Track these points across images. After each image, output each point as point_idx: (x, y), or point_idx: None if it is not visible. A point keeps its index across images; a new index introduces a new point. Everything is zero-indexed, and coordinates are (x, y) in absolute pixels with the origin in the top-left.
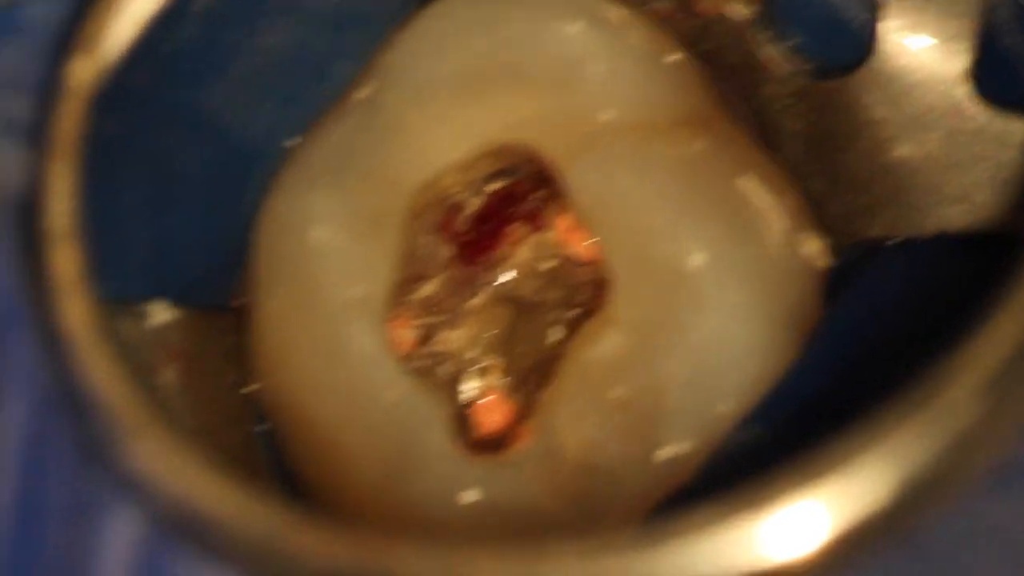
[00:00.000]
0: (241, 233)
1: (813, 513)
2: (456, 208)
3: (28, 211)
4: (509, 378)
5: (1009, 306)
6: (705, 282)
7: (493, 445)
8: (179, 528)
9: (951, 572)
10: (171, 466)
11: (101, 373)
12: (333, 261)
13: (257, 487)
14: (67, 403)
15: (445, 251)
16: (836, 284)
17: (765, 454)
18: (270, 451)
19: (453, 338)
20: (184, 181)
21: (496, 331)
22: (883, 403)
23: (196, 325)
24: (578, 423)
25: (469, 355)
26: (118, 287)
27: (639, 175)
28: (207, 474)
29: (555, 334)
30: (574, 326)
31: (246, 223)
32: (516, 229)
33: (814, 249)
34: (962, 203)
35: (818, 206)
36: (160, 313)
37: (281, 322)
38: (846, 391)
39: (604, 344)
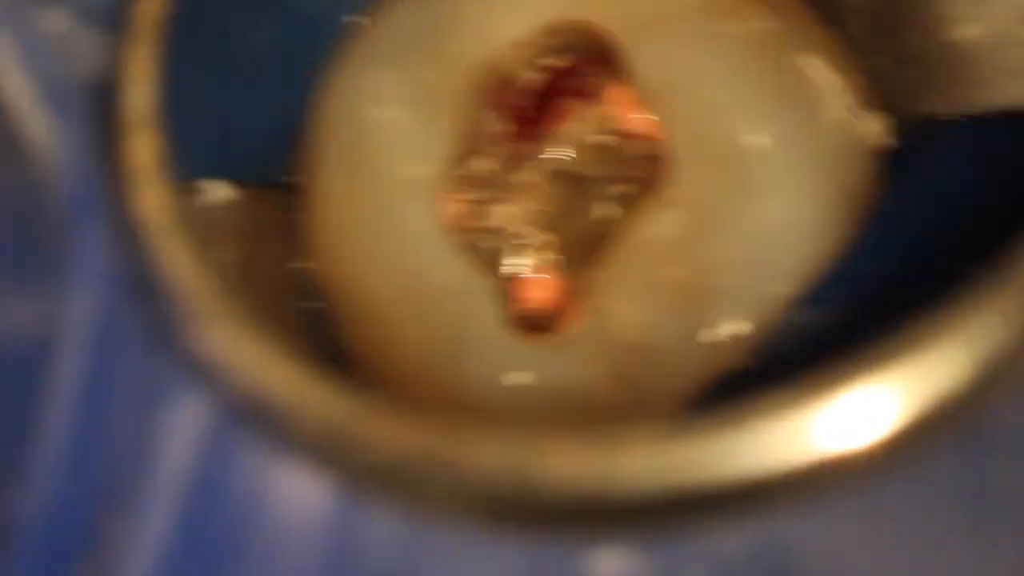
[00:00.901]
0: (300, 110)
1: (883, 399)
2: (515, 84)
3: (107, 96)
4: (562, 256)
5: None
6: (764, 163)
7: (547, 325)
8: (248, 415)
9: (1018, 462)
10: (241, 351)
11: (176, 260)
12: (392, 139)
13: (321, 371)
14: (141, 289)
15: (502, 127)
16: (899, 165)
17: (823, 339)
18: (316, 328)
19: (506, 214)
20: (250, 60)
21: (550, 208)
22: (952, 284)
23: (254, 204)
24: (631, 303)
25: (522, 231)
26: (187, 170)
27: (702, 53)
28: (276, 360)
29: (607, 210)
30: (627, 203)
31: (305, 100)
32: (574, 106)
33: (875, 128)
34: None
35: (882, 83)
36: (220, 191)
37: (338, 199)
38: (911, 273)
39: (659, 224)
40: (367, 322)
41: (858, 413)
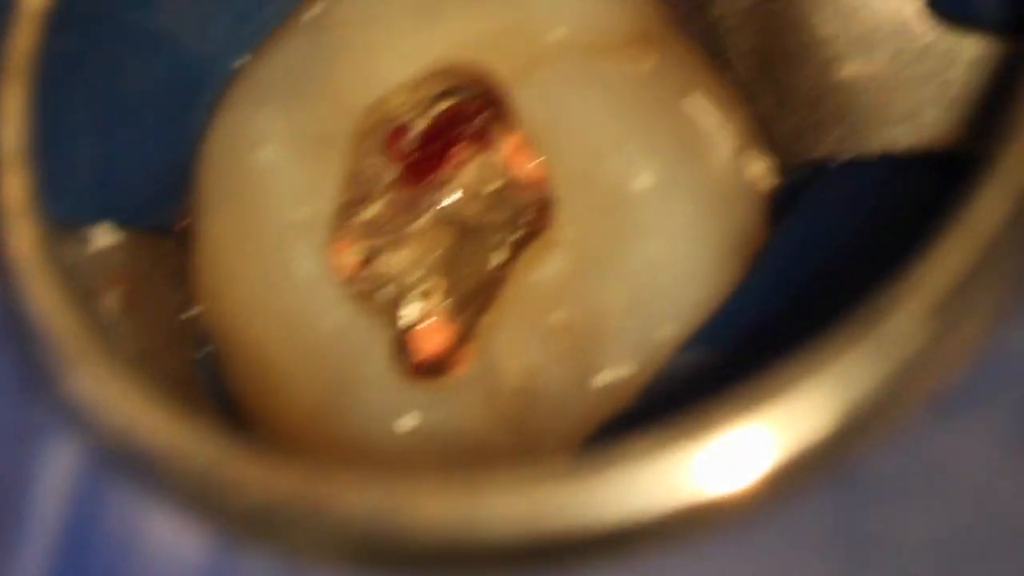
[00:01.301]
0: (188, 154)
1: (754, 442)
2: (402, 129)
3: None
4: (450, 301)
5: (955, 231)
6: (649, 204)
7: (433, 370)
8: (118, 458)
9: (887, 507)
10: (112, 395)
11: (46, 300)
12: (278, 182)
13: (198, 417)
14: (11, 330)
15: (390, 172)
16: (783, 206)
17: (710, 380)
18: (210, 376)
19: (395, 260)
20: (133, 101)
21: (439, 253)
22: (827, 328)
23: (140, 248)
24: (518, 347)
25: (411, 278)
26: (64, 210)
27: (587, 94)
28: (148, 404)
29: (499, 256)
30: (518, 248)
31: (193, 144)
32: (461, 150)
33: (760, 169)
34: (909, 122)
35: (766, 126)
36: (104, 236)
37: (224, 243)
38: (792, 315)
39: (546, 266)
40: (254, 368)
41: (728, 457)
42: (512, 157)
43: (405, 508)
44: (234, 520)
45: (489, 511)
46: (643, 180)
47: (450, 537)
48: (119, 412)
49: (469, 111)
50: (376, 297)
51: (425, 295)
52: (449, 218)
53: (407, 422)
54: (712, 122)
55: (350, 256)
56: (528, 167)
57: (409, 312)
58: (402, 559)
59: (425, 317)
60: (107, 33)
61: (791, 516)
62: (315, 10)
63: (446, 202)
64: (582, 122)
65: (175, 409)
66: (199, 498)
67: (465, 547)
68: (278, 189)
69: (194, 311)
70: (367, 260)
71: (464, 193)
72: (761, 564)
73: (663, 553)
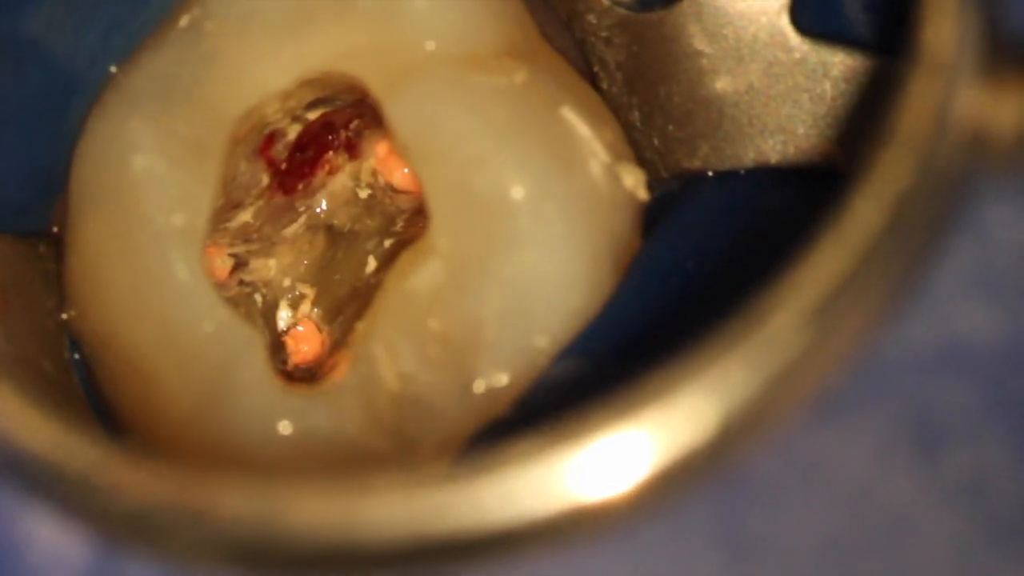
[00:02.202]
0: (62, 160)
1: (633, 447)
2: (274, 136)
3: None
4: (322, 307)
5: (829, 239)
6: (523, 214)
7: (309, 376)
8: None
9: (769, 509)
10: None
11: None
12: (152, 189)
13: (73, 422)
14: None
15: (263, 179)
16: (656, 217)
17: (586, 388)
18: (84, 379)
19: (268, 266)
20: (3, 107)
21: (310, 260)
22: (704, 334)
23: (13, 251)
24: (395, 354)
25: (284, 283)
26: None
27: (459, 105)
28: (24, 407)
29: (372, 263)
30: (391, 256)
31: (67, 150)
32: (333, 158)
33: (633, 181)
34: (781, 135)
35: (638, 138)
36: None
37: (97, 249)
38: (667, 324)
39: (421, 274)
40: (129, 372)
41: (607, 462)
42: (384, 165)
43: (284, 512)
44: (113, 525)
45: (368, 515)
46: (516, 190)
47: (329, 541)
48: None
49: (341, 119)
50: (250, 302)
51: (297, 301)
52: (321, 225)
53: (284, 428)
54: (585, 134)
55: (222, 262)
56: (400, 174)
57: (282, 317)
58: (282, 563)
59: (298, 322)
60: None
61: (673, 519)
62: (188, 19)
63: (317, 209)
64: (454, 132)
65: (50, 413)
66: (78, 503)
67: (344, 551)
68: (152, 195)
69: (67, 315)
70: (239, 266)
71: (336, 200)
72: (643, 567)
73: (542, 557)
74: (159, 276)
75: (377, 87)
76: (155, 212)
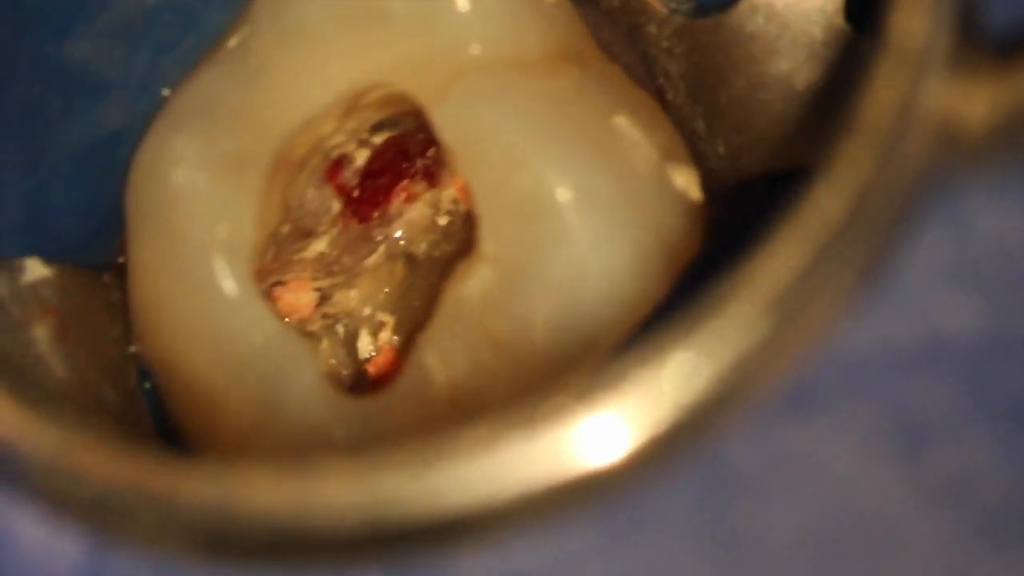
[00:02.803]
0: (121, 189)
1: (589, 434)
2: (342, 161)
3: None
4: (401, 335)
5: (790, 230)
6: (568, 214)
7: (366, 383)
8: None
9: (750, 506)
10: None
11: None
12: (193, 202)
13: (37, 407)
14: None
15: (334, 206)
16: (713, 221)
17: None
18: (155, 407)
19: (350, 297)
20: (56, 136)
21: (391, 288)
22: (661, 325)
23: (75, 282)
24: (448, 362)
25: (365, 312)
26: None
27: (504, 107)
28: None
29: (435, 278)
30: (446, 264)
31: (124, 179)
32: (410, 185)
33: (684, 181)
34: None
35: (704, 149)
36: (35, 270)
37: (149, 270)
38: None
39: (472, 281)
40: (189, 392)
41: (563, 448)
42: (464, 193)
43: (241, 498)
44: (74, 509)
45: (324, 500)
46: (561, 191)
47: (286, 526)
48: None
49: (413, 146)
50: (330, 334)
51: (375, 329)
52: (400, 253)
53: (341, 434)
54: (633, 137)
55: (306, 296)
56: (463, 193)
57: (362, 346)
58: (242, 548)
59: (379, 351)
60: (22, 66)
61: (653, 513)
62: (237, 39)
63: (396, 235)
64: (497, 136)
65: (18, 399)
66: (39, 488)
67: (303, 535)
68: (196, 209)
69: (133, 347)
70: (321, 300)
71: (413, 228)
72: (621, 561)
73: (501, 545)
74: (206, 290)
75: (423, 95)
76: (198, 226)
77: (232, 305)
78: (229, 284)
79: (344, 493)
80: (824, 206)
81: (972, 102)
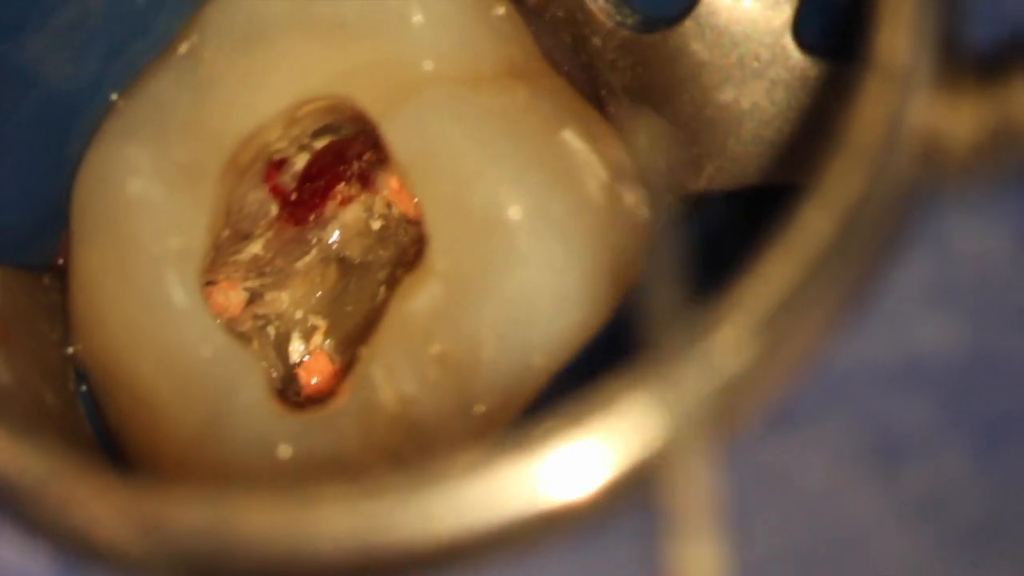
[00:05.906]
0: (64, 191)
1: (579, 459)
2: (281, 164)
3: None
4: (334, 339)
5: (779, 249)
6: (520, 232)
7: (311, 400)
8: None
9: (729, 513)
10: None
11: None
12: (147, 213)
13: (26, 435)
14: None
15: (272, 209)
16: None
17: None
18: (91, 411)
19: (281, 299)
20: (2, 136)
21: (323, 291)
22: (651, 347)
23: (16, 283)
24: (394, 377)
25: (296, 315)
26: None
27: (456, 124)
28: None
29: (383, 293)
30: (392, 278)
31: (69, 180)
32: (346, 189)
33: (634, 199)
34: (786, 153)
35: (641, 159)
36: None
37: (96, 276)
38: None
39: (421, 296)
40: (131, 400)
41: (554, 472)
42: (397, 196)
43: (234, 524)
44: (64, 538)
45: (317, 526)
46: (513, 209)
47: (278, 552)
48: None
49: (351, 150)
50: (260, 336)
51: (307, 333)
52: (333, 257)
53: (284, 451)
54: (583, 154)
55: (235, 296)
56: (413, 204)
57: (295, 349)
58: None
59: (310, 354)
60: None
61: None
62: (187, 45)
63: (329, 240)
64: (450, 153)
65: (8, 427)
66: (32, 517)
67: (294, 562)
68: (148, 220)
69: (72, 348)
70: (251, 299)
71: (348, 231)
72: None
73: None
74: (157, 301)
75: (373, 107)
76: (151, 236)
77: (181, 316)
78: (180, 296)
79: (335, 519)
80: (814, 225)
81: (956, 120)
